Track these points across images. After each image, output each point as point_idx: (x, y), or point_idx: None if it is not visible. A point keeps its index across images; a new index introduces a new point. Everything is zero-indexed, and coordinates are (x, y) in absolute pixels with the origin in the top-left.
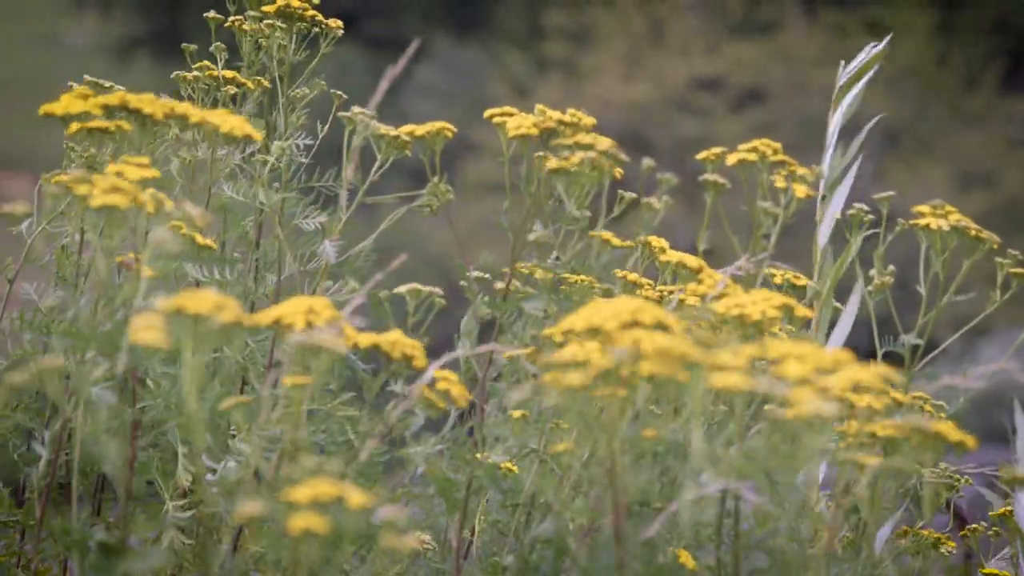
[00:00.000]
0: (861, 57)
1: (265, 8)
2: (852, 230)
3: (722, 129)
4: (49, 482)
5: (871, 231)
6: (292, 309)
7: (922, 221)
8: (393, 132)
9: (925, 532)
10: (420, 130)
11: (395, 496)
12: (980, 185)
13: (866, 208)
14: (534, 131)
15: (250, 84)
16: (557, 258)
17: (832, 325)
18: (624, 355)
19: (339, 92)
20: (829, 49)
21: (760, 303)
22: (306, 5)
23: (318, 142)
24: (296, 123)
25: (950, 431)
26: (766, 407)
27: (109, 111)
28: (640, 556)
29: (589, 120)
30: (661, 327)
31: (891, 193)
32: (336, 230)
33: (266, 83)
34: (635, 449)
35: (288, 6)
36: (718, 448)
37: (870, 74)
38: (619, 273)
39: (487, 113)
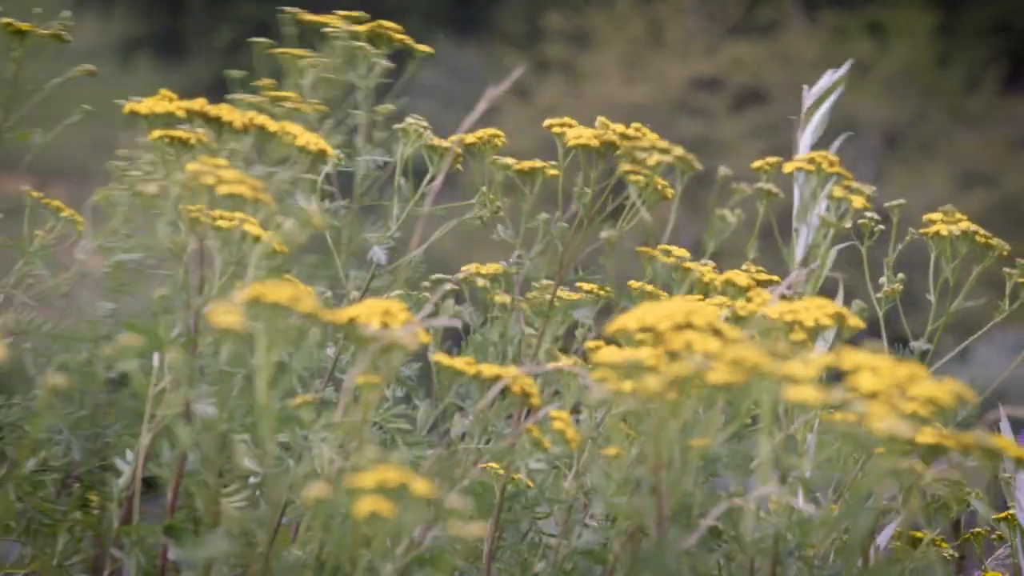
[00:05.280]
0: (823, 82)
1: (357, 28)
2: (863, 239)
3: (722, 130)
4: (132, 491)
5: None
6: (368, 310)
7: (932, 228)
8: (445, 144)
9: (922, 534)
10: (470, 138)
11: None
12: (980, 186)
13: (877, 217)
14: (594, 142)
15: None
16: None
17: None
18: (701, 363)
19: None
20: (829, 50)
21: (813, 310)
22: (399, 28)
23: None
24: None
25: (1010, 447)
26: (835, 417)
27: (190, 115)
28: (689, 566)
29: (652, 135)
30: (714, 331)
31: (902, 201)
32: (387, 236)
33: (323, 107)
34: (698, 458)
35: (380, 26)
36: (783, 459)
37: (833, 97)
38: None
39: (546, 123)
